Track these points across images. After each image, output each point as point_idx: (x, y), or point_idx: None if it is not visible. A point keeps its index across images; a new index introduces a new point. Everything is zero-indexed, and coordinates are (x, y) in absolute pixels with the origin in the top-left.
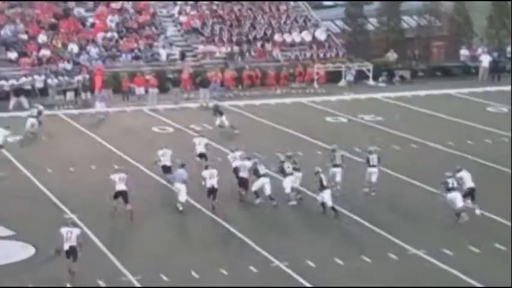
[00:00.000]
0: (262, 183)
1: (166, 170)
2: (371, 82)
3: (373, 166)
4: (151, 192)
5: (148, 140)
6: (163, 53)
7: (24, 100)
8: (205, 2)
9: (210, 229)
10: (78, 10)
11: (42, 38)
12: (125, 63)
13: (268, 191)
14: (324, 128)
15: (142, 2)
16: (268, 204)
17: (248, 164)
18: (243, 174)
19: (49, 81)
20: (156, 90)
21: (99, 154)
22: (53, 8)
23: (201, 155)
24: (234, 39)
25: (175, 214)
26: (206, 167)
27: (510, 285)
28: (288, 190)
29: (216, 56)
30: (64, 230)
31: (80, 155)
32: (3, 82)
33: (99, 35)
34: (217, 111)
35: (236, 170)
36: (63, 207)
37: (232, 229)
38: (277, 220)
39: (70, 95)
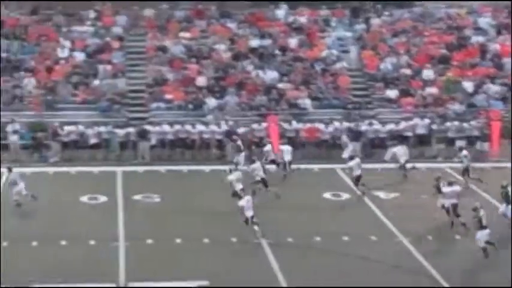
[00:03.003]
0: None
1: None
2: None
3: None
4: None
5: None
6: None
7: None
8: None
9: None
10: (477, 38)
11: (427, 73)
12: None
13: None
14: None
15: None
16: None
17: None
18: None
19: (434, 127)
20: None
21: None
22: (445, 37)
23: None
24: None
25: None
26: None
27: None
28: None
29: None
30: (243, 201)
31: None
32: (378, 127)
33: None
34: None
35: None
36: None
37: None
38: None
39: (460, 144)
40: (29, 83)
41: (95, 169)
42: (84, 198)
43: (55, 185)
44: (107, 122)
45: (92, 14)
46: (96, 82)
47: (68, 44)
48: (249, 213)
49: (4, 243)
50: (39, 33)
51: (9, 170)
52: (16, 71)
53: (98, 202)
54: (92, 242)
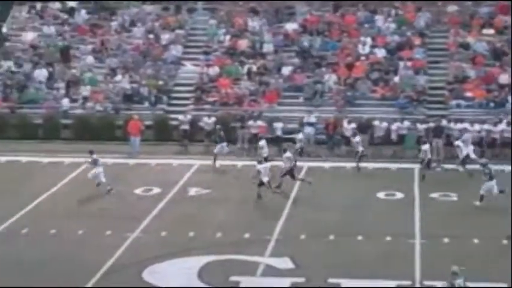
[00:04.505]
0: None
1: None
2: None
3: None
4: None
5: None
6: None
7: None
8: None
9: None
10: None
11: None
12: None
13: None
14: None
15: None
16: None
17: None
18: None
19: None
20: None
21: None
22: None
23: None
24: None
25: None
26: None
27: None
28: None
29: None
30: (261, 167)
31: None
32: None
33: None
34: None
35: None
36: None
37: None
38: None
39: None
40: (330, 78)
41: (393, 166)
42: (381, 195)
43: (352, 180)
44: (404, 118)
45: (393, 11)
46: (396, 79)
47: (369, 40)
48: (265, 179)
49: (302, 236)
50: (341, 30)
51: (91, 152)
52: (317, 67)
53: (394, 199)
54: (388, 239)
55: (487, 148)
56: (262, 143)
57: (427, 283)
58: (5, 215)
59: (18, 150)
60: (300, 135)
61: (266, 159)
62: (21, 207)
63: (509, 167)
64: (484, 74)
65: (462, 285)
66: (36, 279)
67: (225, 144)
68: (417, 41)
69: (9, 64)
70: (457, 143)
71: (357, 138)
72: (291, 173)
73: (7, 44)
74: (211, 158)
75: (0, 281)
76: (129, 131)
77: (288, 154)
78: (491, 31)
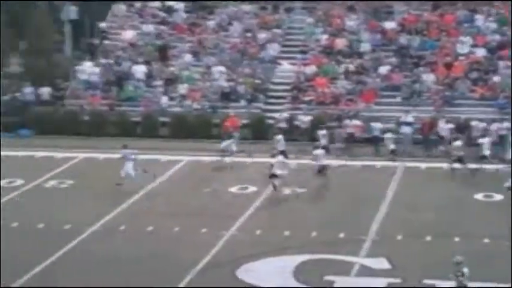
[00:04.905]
0: None
1: None
2: None
3: None
4: None
5: None
6: None
7: None
8: None
9: None
10: None
11: None
12: None
13: None
14: None
15: None
16: None
17: None
18: None
19: None
20: None
21: None
22: None
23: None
24: None
25: None
26: None
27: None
28: None
29: None
30: (318, 151)
31: None
32: None
33: None
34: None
35: None
36: None
37: None
38: None
39: None
40: (428, 78)
41: (492, 167)
42: (479, 196)
43: (449, 180)
44: (504, 119)
45: (493, 10)
46: (496, 78)
47: (468, 39)
48: (278, 172)
49: (399, 237)
50: (440, 29)
51: (124, 147)
52: (416, 67)
53: (493, 200)
54: (486, 240)
55: None
56: (279, 137)
57: None
58: (103, 212)
59: (117, 148)
60: (389, 134)
61: (283, 154)
62: (119, 204)
63: None
64: None
65: (467, 274)
66: (132, 276)
67: (233, 141)
68: None
69: (108, 62)
70: (480, 141)
71: (388, 135)
72: (322, 169)
73: (106, 41)
74: (308, 157)
75: (98, 278)
76: (227, 128)
77: (316, 151)
78: None
